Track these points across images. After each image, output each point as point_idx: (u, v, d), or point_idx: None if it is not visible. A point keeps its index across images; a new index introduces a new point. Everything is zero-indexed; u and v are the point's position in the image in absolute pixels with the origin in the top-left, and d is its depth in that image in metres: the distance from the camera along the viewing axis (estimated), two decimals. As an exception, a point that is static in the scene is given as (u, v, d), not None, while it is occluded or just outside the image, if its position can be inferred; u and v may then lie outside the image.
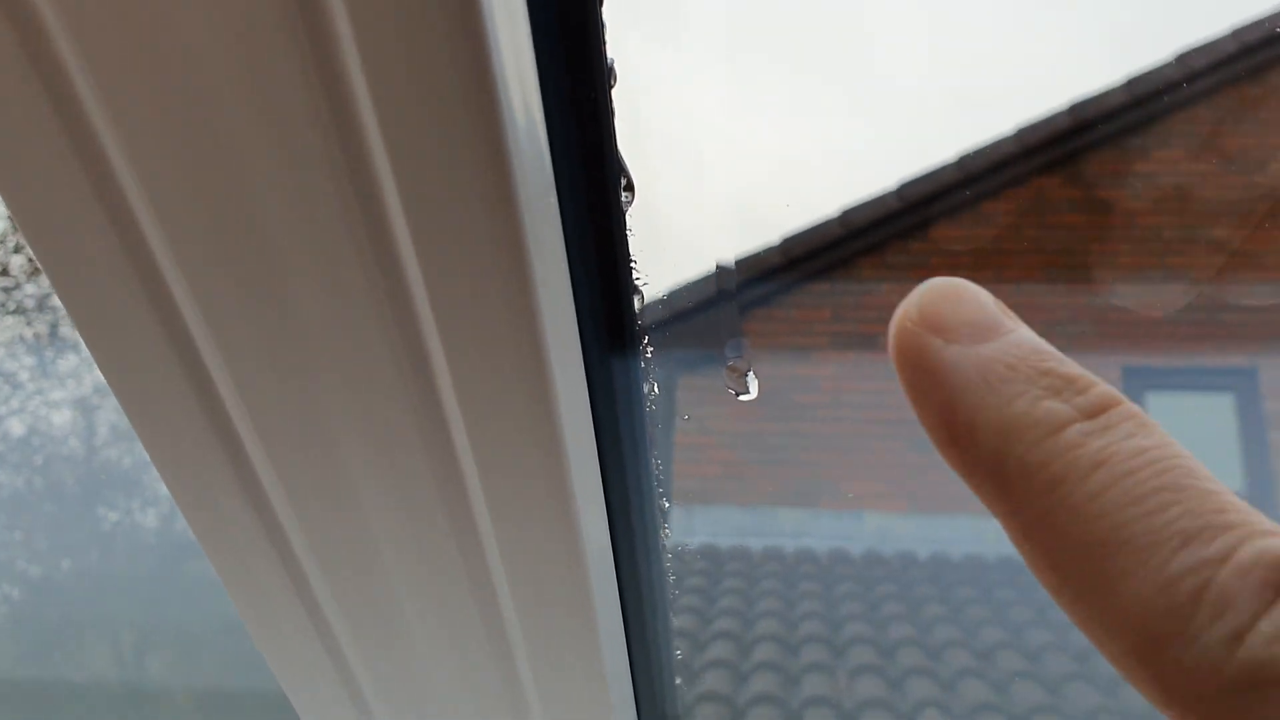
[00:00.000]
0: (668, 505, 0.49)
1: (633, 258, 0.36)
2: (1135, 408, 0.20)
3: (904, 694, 1.94)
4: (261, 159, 0.26)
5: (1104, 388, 0.21)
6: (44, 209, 0.28)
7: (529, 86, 0.27)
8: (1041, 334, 0.22)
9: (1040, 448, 0.20)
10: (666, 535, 0.51)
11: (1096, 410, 0.20)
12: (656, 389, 0.41)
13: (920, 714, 1.89)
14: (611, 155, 0.32)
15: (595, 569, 0.38)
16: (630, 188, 0.35)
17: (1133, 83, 2.07)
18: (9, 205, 0.27)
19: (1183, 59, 2.01)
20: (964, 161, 2.22)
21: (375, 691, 0.44)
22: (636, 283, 0.37)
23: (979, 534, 2.44)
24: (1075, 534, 0.19)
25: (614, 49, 0.30)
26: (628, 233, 0.35)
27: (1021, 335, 0.22)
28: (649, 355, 0.40)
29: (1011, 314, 0.23)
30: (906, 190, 2.26)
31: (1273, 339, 2.18)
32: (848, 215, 2.32)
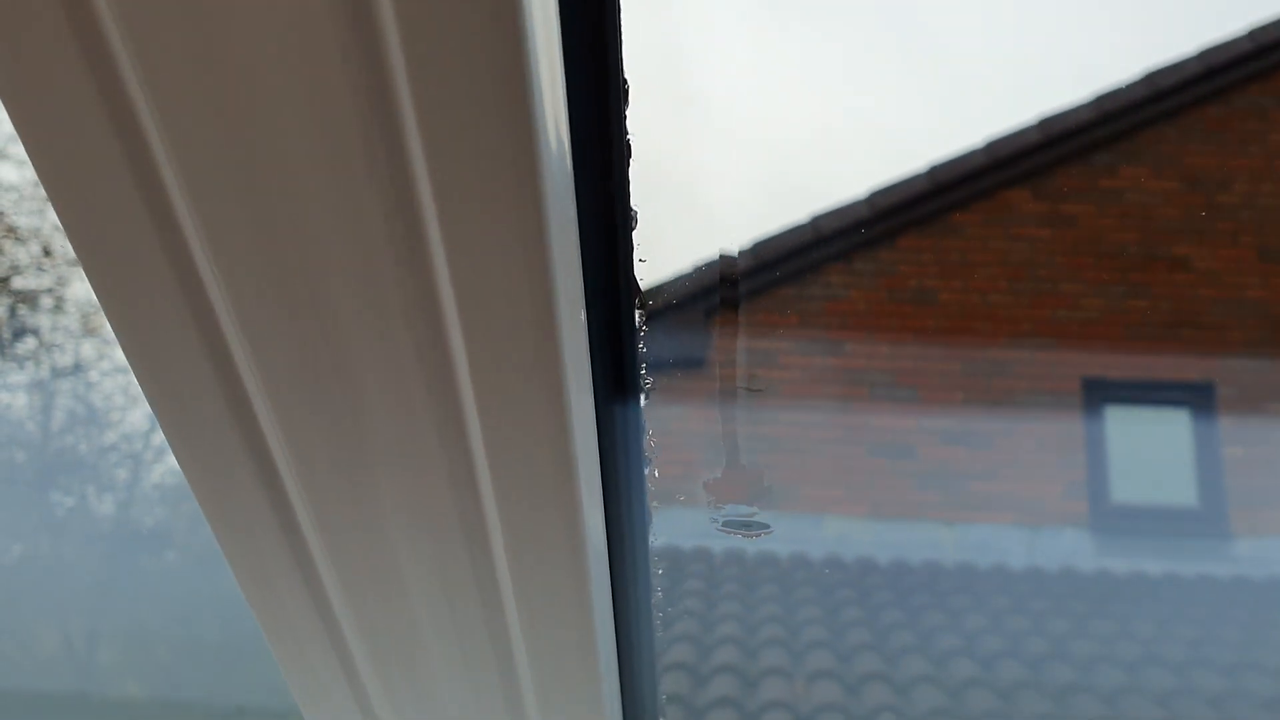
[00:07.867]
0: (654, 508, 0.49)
1: (638, 307, 0.37)
2: None
3: (860, 699, 1.95)
4: (307, 167, 0.27)
5: None
6: (86, 200, 0.28)
7: (561, 127, 0.27)
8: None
9: None
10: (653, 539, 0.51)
11: None
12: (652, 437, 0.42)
13: (876, 718, 1.91)
14: (623, 185, 0.33)
15: (594, 573, 0.39)
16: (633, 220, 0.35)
17: (1101, 99, 2.10)
18: (54, 200, 0.28)
19: (1150, 79, 2.04)
20: (934, 172, 2.24)
21: (376, 678, 0.44)
22: (640, 331, 0.38)
23: (938, 540, 2.46)
24: None
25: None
26: (636, 279, 0.36)
27: None
28: (649, 387, 0.41)
29: None
30: (876, 199, 2.28)
31: (1229, 355, 2.22)
32: (818, 221, 2.33)
